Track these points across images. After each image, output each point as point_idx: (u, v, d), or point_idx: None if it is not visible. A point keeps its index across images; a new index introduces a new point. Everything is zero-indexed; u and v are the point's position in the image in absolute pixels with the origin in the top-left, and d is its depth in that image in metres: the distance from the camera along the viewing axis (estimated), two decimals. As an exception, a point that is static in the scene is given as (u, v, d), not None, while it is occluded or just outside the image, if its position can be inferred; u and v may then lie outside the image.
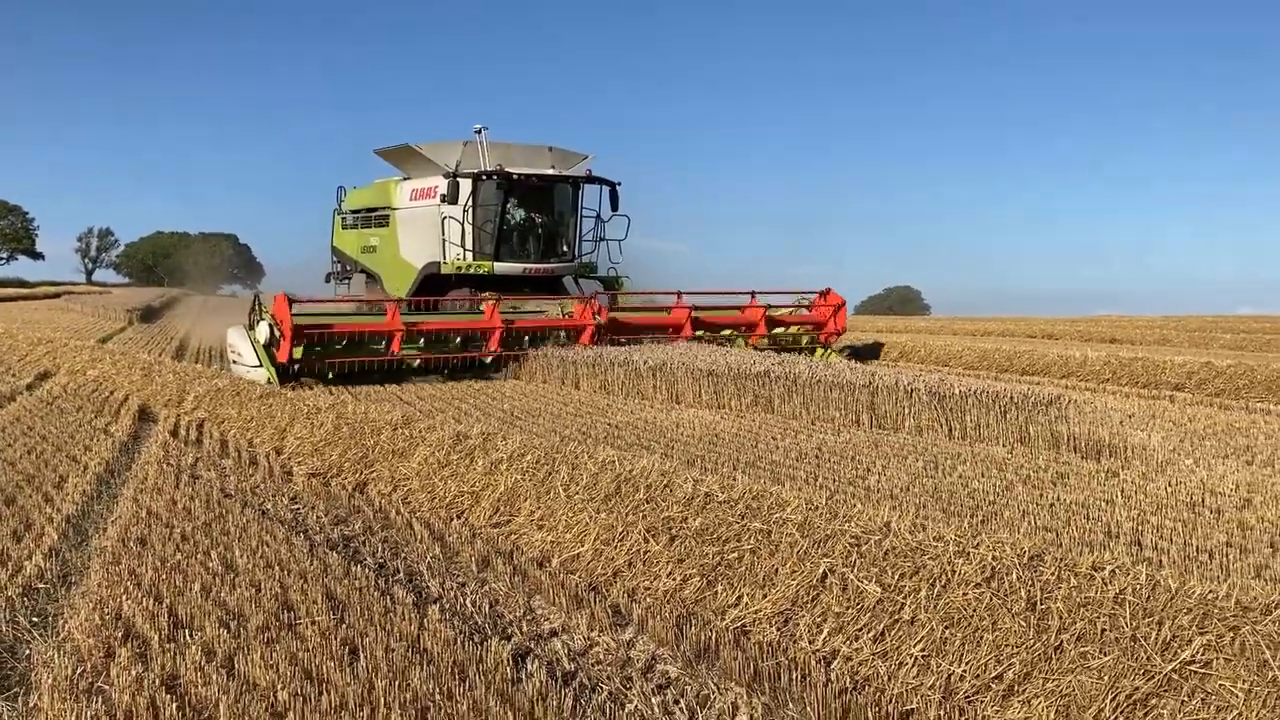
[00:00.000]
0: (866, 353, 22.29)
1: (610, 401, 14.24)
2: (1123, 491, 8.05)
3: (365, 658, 4.61)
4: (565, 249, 20.60)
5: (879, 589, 4.85)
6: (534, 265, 20.09)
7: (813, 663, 4.67)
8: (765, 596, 5.15)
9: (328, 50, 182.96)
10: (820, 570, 5.11)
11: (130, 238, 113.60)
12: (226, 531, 6.89)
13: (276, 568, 6.02)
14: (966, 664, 4.30)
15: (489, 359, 17.10)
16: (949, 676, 4.31)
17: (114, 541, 6.54)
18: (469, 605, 5.54)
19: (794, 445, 10.42)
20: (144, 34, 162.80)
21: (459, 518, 7.46)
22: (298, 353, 15.37)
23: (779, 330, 20.41)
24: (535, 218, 20.03)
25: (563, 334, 18.01)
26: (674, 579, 5.61)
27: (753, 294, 20.19)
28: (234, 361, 16.28)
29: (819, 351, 20.03)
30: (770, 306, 20.38)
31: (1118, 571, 4.46)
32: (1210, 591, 4.16)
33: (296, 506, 7.89)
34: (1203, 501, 7.66)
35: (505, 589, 5.86)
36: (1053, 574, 4.58)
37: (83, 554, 6.47)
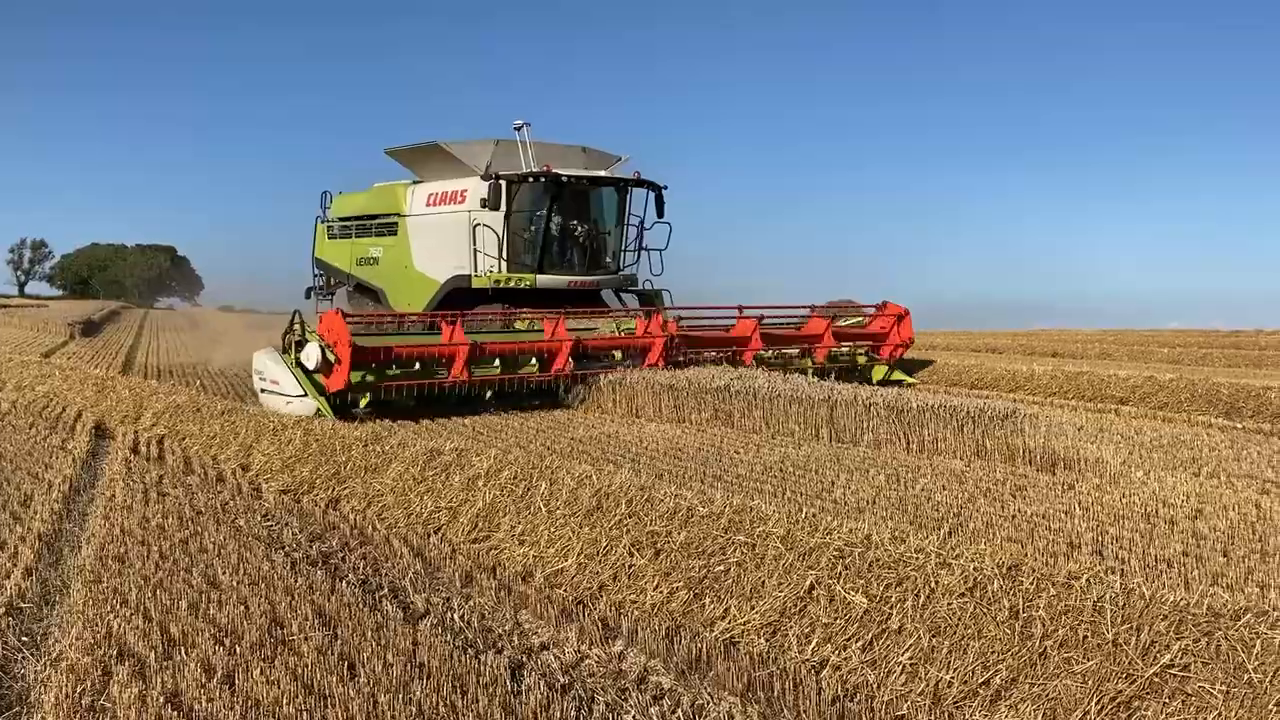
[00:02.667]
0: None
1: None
2: (1080, 503, 8.32)
3: (364, 672, 4.67)
4: (609, 259, 18.72)
5: (866, 600, 5.01)
6: (579, 278, 18.20)
7: (803, 672, 4.81)
8: (753, 608, 5.29)
9: (268, 59, 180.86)
10: (807, 582, 5.27)
11: (65, 249, 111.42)
12: (205, 549, 6.88)
13: (261, 584, 6.04)
14: (954, 671, 4.47)
15: (560, 382, 14.83)
16: (937, 683, 4.47)
17: (92, 560, 6.52)
18: (458, 620, 5.61)
19: (757, 459, 10.59)
20: (77, 42, 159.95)
21: (436, 534, 7.51)
22: (354, 377, 13.13)
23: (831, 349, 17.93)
24: (577, 225, 18.13)
25: (618, 354, 15.84)
26: (661, 592, 5.74)
27: (811, 308, 18.06)
28: (265, 391, 13.83)
29: (879, 370, 18.32)
30: (836, 318, 18.20)
31: (1094, 580, 4.66)
32: (1183, 598, 4.38)
33: (270, 523, 7.88)
34: (1156, 512, 7.94)
35: (491, 604, 5.93)
36: (1032, 583, 4.77)
37: (60, 573, 6.43)
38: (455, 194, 18.22)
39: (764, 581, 5.46)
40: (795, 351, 17.33)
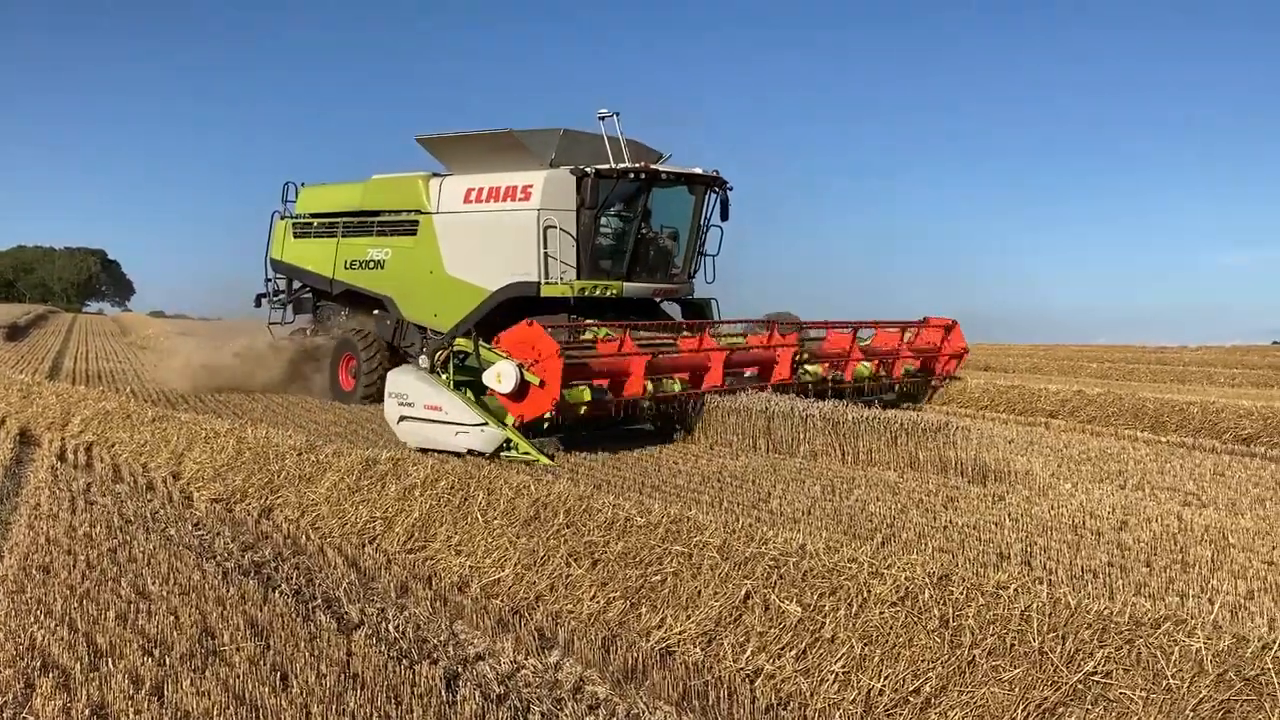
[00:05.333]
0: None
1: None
2: (1009, 514, 8.47)
3: (297, 683, 4.63)
4: (677, 265, 16.77)
5: (799, 609, 5.07)
6: (662, 286, 16.34)
7: (738, 681, 4.86)
8: (689, 617, 5.33)
9: (190, 57, 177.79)
10: (742, 591, 5.32)
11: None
12: (134, 558, 6.77)
13: (192, 594, 5.96)
14: (885, 679, 4.55)
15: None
16: (869, 691, 4.54)
17: (15, 570, 6.39)
18: (392, 630, 5.58)
19: (696, 469, 10.64)
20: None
21: (371, 543, 7.45)
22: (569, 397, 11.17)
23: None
24: (660, 227, 16.35)
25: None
26: (598, 602, 5.75)
27: (854, 327, 16.06)
28: (412, 419, 11.27)
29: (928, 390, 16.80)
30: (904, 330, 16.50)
31: (1021, 590, 4.77)
32: (1107, 608, 4.49)
33: (201, 532, 7.77)
34: (1083, 524, 8.11)
35: (427, 614, 5.91)
36: (962, 593, 4.86)
37: (-18, 583, 6.28)
38: (514, 189, 15.91)
39: (700, 591, 5.50)
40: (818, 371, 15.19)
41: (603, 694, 4.82)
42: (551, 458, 10.71)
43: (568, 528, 6.50)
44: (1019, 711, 4.09)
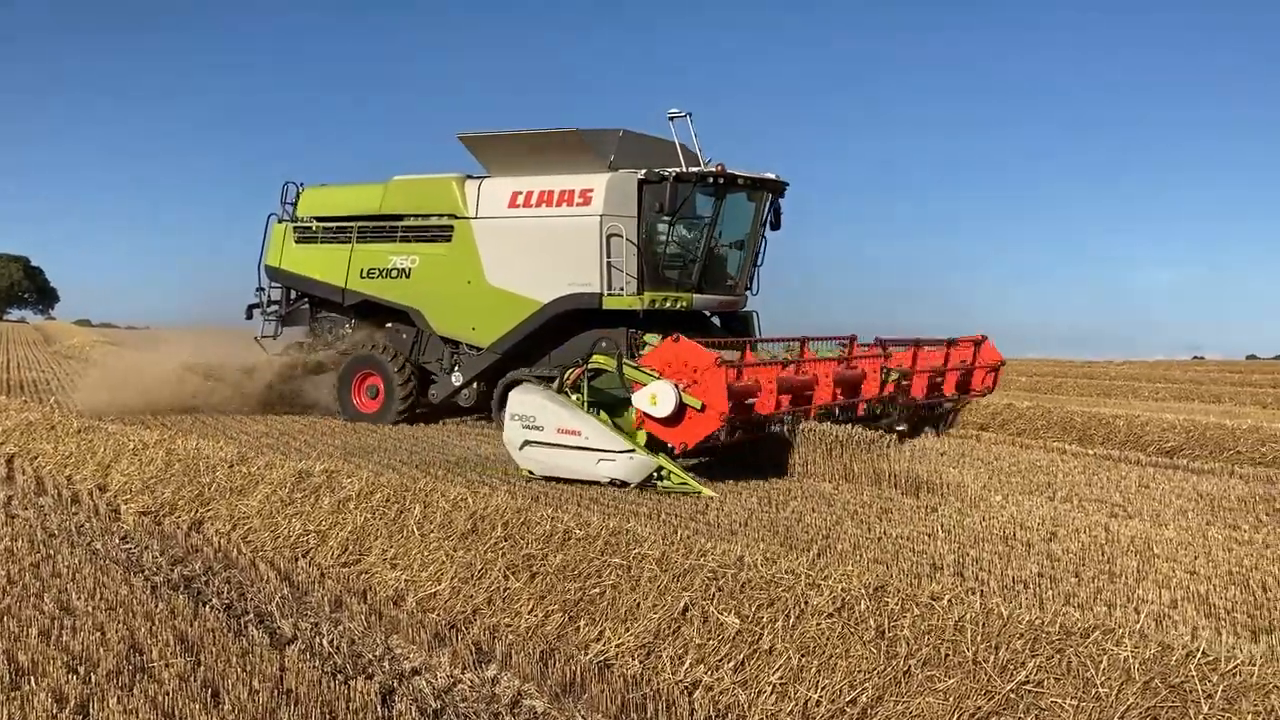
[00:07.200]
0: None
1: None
2: (942, 526, 8.59)
3: (229, 699, 4.54)
4: (734, 276, 15.77)
5: (738, 620, 5.09)
6: (725, 297, 15.48)
7: (677, 693, 4.87)
8: (628, 630, 5.33)
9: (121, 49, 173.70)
10: (681, 603, 5.33)
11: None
12: (58, 573, 6.60)
13: (119, 610, 5.82)
14: (822, 690, 4.58)
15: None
16: (806, 702, 4.58)
17: (-68, 586, 6.19)
18: (326, 645, 5.50)
19: (633, 482, 10.64)
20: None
21: (305, 557, 7.34)
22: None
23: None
24: (718, 236, 15.33)
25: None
26: (536, 615, 5.73)
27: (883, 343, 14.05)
28: (539, 444, 10.23)
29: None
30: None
31: (955, 601, 4.84)
32: (1038, 618, 4.58)
33: (129, 546, 7.61)
34: (1014, 535, 8.26)
35: (361, 628, 5.84)
36: (897, 604, 4.92)
37: (-103, 600, 6.08)
38: (569, 193, 14.84)
39: (639, 603, 5.51)
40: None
41: (541, 708, 4.80)
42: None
43: (506, 540, 6.47)
44: (953, 720, 4.15)
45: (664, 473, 9.84)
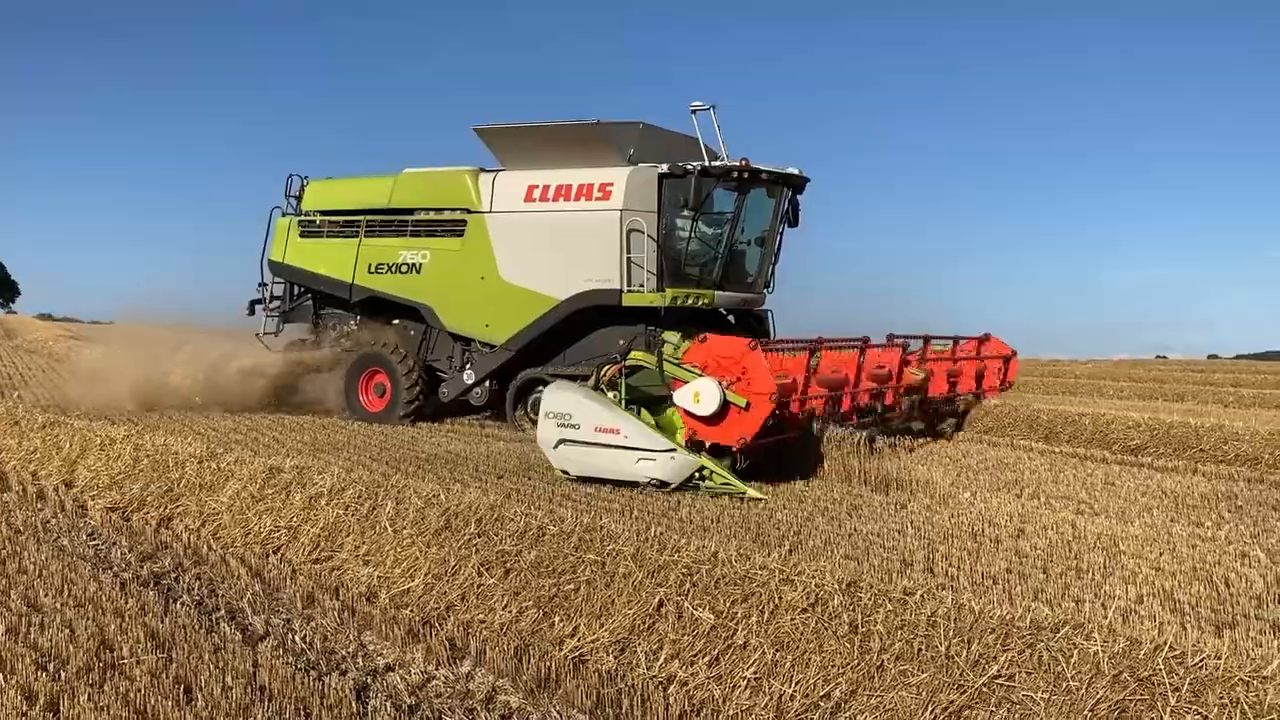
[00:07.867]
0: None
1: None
2: (912, 522, 8.66)
3: (202, 696, 4.52)
4: (752, 273, 15.45)
5: (713, 616, 5.12)
6: (746, 295, 15.18)
7: (651, 688, 4.89)
8: (603, 626, 5.35)
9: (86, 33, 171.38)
10: (655, 599, 5.35)
11: None
12: (24, 570, 6.54)
13: (89, 606, 5.78)
14: (796, 684, 4.62)
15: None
16: (780, 696, 4.61)
17: (-104, 583, 6.11)
18: (299, 641, 5.48)
19: (605, 478, 10.64)
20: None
21: (276, 553, 7.31)
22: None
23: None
24: (744, 230, 15.05)
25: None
26: (510, 611, 5.73)
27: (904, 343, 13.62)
28: (574, 442, 9.87)
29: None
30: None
31: (927, 596, 4.89)
32: (1008, 613, 4.64)
33: (96, 543, 7.54)
34: (983, 531, 8.34)
35: (334, 625, 5.82)
36: (870, 599, 4.97)
37: None
38: (588, 187, 14.52)
39: (614, 599, 5.52)
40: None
41: (515, 703, 4.81)
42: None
43: (479, 537, 6.47)
44: (927, 714, 4.20)
45: (706, 473, 9.53)
